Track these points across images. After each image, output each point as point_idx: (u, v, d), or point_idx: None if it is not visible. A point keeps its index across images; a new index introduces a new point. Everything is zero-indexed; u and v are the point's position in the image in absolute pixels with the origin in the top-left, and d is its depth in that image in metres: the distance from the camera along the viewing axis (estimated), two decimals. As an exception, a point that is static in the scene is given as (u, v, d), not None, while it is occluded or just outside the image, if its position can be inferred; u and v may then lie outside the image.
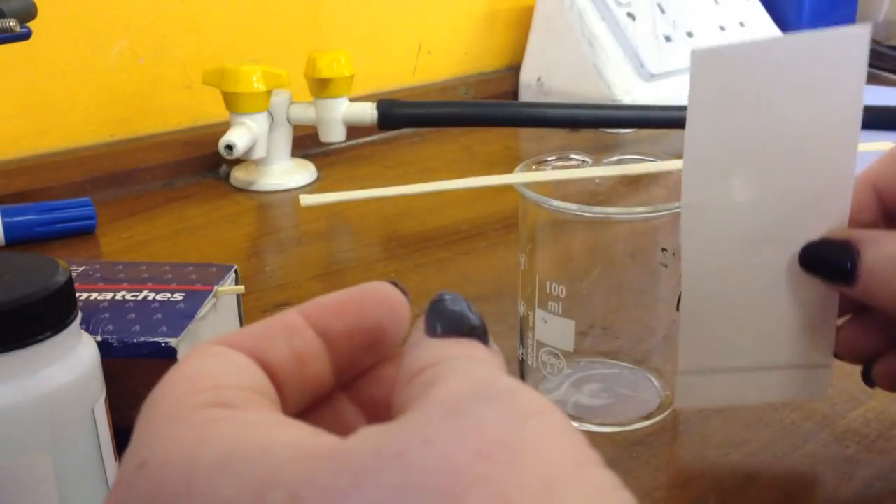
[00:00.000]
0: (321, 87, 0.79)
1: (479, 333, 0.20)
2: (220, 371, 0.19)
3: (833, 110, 0.28)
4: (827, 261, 0.32)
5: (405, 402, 0.18)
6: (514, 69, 1.09)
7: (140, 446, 0.18)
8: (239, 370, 0.19)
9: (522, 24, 1.10)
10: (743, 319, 0.34)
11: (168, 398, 0.18)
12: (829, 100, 0.28)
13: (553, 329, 0.41)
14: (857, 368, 0.47)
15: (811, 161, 0.31)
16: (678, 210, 0.34)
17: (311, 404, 0.22)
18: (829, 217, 0.32)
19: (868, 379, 0.37)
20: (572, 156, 0.46)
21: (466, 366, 0.18)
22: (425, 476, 0.14)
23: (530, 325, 0.42)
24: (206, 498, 0.15)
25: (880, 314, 0.34)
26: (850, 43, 0.28)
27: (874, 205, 0.34)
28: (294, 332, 0.21)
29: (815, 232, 0.33)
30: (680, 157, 0.33)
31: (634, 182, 0.46)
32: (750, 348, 0.34)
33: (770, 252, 0.33)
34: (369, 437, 0.16)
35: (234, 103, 0.76)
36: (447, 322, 0.20)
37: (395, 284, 0.23)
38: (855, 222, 0.33)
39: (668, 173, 0.43)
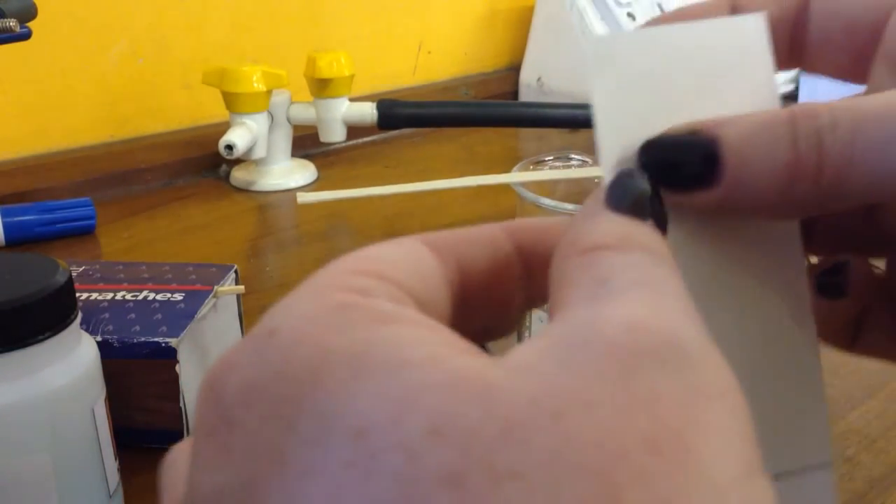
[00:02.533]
0: (321, 87, 0.79)
1: (662, 222, 0.18)
2: (391, 261, 0.17)
3: (745, 97, 0.27)
4: (677, 152, 0.21)
5: (570, 285, 0.16)
6: (514, 69, 1.09)
7: (275, 313, 0.16)
8: (413, 267, 0.18)
9: (522, 24, 1.10)
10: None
11: (324, 272, 0.17)
12: (738, 87, 0.27)
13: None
14: (857, 369, 0.47)
15: None
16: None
17: (498, 325, 0.20)
18: None
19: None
20: (572, 156, 0.46)
21: (650, 275, 0.16)
22: (586, 453, 0.12)
23: (527, 324, 0.42)
24: (338, 402, 0.14)
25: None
26: (747, 29, 0.27)
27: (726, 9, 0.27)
28: (497, 245, 0.19)
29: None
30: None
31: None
32: None
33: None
34: (525, 376, 0.14)
35: (234, 103, 0.76)
36: (633, 200, 0.18)
37: None
38: None
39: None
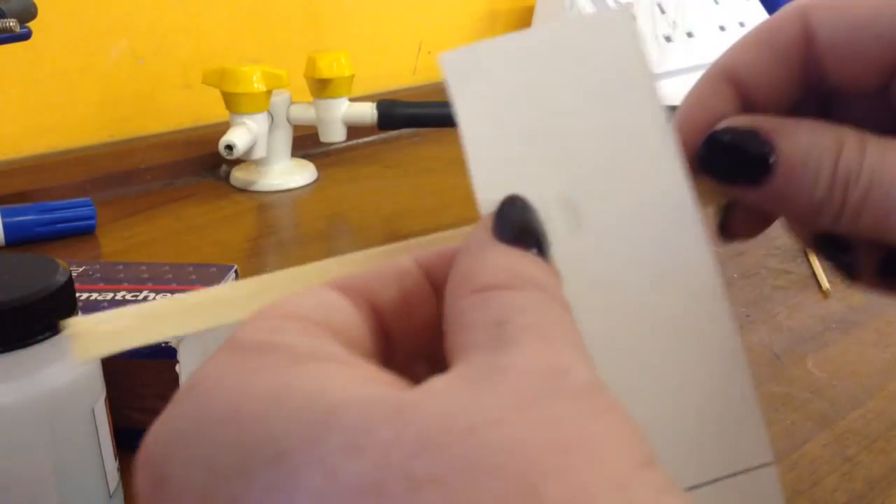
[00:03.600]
0: (321, 87, 0.79)
1: (544, 249, 0.19)
2: (307, 305, 0.18)
3: (621, 96, 0.25)
4: (738, 149, 0.24)
5: (468, 327, 0.17)
6: (514, 69, 1.09)
7: (196, 370, 0.17)
8: (323, 306, 0.18)
9: (522, 24, 1.10)
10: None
11: (241, 325, 0.18)
12: (612, 86, 0.25)
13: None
14: (857, 369, 0.47)
15: (615, 139, 0.24)
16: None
17: (423, 353, 0.21)
18: (665, 196, 0.23)
19: (726, 232, 0.28)
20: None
21: (541, 317, 0.17)
22: (501, 456, 0.13)
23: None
24: (256, 430, 0.14)
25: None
26: (615, 26, 0.26)
27: (731, 97, 0.26)
28: (405, 275, 0.20)
29: (658, 214, 0.23)
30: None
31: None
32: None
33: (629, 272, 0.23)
34: (438, 396, 0.15)
35: (234, 103, 0.76)
36: (519, 230, 0.19)
37: None
38: (713, 119, 0.25)
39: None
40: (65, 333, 0.19)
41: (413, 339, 0.20)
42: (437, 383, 0.15)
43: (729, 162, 0.24)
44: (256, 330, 0.17)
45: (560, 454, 0.14)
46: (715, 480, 0.24)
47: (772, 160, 0.24)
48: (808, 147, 0.24)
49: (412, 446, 0.14)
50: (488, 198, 0.22)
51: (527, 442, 0.14)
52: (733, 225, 0.27)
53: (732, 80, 0.26)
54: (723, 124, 0.25)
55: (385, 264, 0.20)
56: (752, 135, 0.24)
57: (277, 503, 0.14)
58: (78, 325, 0.19)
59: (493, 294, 0.18)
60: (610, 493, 0.13)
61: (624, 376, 0.22)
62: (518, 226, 0.19)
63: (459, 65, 0.25)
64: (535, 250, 0.19)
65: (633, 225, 0.23)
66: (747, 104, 0.26)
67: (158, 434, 0.16)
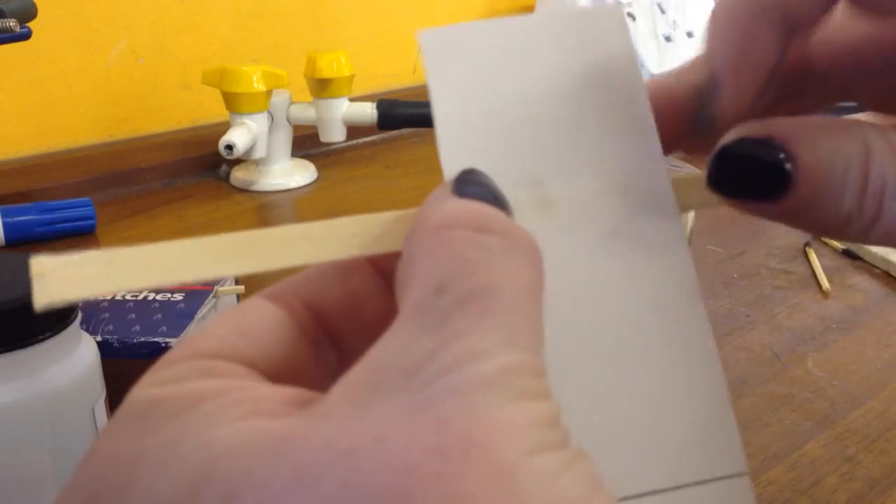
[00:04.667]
0: (321, 87, 0.79)
1: (504, 206, 0.19)
2: (216, 335, 0.18)
3: (610, 89, 0.24)
4: (751, 162, 0.21)
5: (413, 277, 0.17)
6: (514, 69, 1.09)
7: (94, 439, 0.17)
8: (242, 332, 0.18)
9: (522, 24, 1.10)
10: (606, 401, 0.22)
11: (145, 375, 0.17)
12: (599, 72, 0.25)
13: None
14: (857, 369, 0.47)
15: (595, 127, 0.23)
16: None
17: None
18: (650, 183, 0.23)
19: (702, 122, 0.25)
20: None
21: (488, 273, 0.16)
22: (374, 475, 0.13)
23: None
24: (145, 495, 0.15)
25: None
26: (606, 18, 0.25)
27: (778, 37, 0.22)
28: (351, 271, 0.20)
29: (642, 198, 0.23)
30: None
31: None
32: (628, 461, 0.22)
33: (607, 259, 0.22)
34: (322, 423, 0.15)
35: (234, 103, 0.76)
36: (481, 189, 0.19)
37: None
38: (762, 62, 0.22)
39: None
40: (31, 273, 0.18)
41: (366, 337, 0.19)
42: (333, 400, 0.15)
43: (742, 179, 0.21)
44: (151, 383, 0.17)
45: (437, 460, 0.13)
46: (685, 486, 0.23)
47: (790, 172, 0.21)
48: (832, 154, 0.20)
49: (286, 484, 0.14)
50: (455, 170, 0.21)
51: (403, 454, 0.14)
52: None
53: (780, 19, 0.22)
54: (731, 135, 0.22)
55: (331, 263, 0.20)
56: (767, 143, 0.21)
57: None
58: (43, 264, 0.18)
59: (451, 234, 0.17)
60: (490, 489, 0.13)
61: (592, 367, 0.21)
62: (479, 184, 0.19)
63: (437, 42, 0.25)
64: (490, 206, 0.18)
65: (607, 213, 0.22)
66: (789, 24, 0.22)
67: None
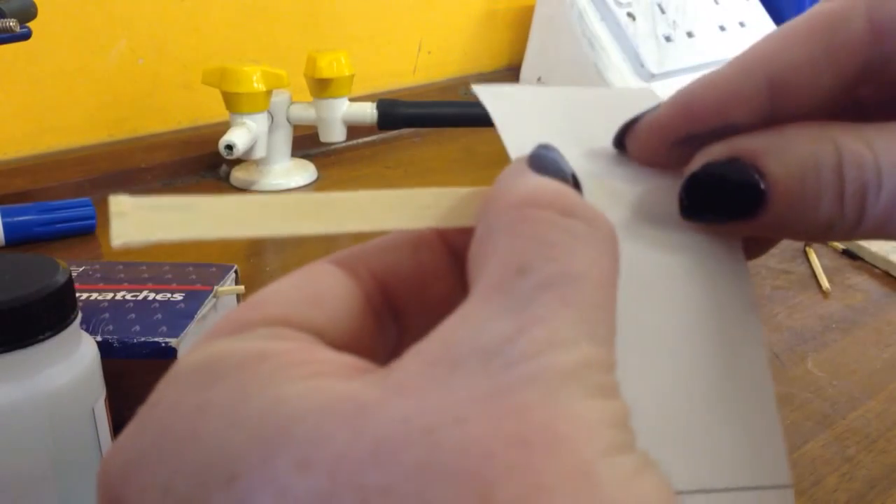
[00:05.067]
0: (321, 87, 0.79)
1: (579, 188, 0.18)
2: (286, 300, 0.17)
3: None
4: (722, 184, 0.21)
5: (491, 254, 0.16)
6: (514, 69, 1.09)
7: (159, 386, 0.16)
8: (304, 298, 0.18)
9: (522, 24, 1.10)
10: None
11: (208, 332, 0.17)
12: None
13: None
14: (857, 369, 0.47)
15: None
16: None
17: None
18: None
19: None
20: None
21: (570, 261, 0.16)
22: (454, 458, 0.13)
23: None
24: (212, 452, 0.14)
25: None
26: (638, 100, 0.26)
27: (760, 99, 0.21)
28: (421, 245, 0.19)
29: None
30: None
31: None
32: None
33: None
34: (400, 396, 0.14)
35: (234, 103, 0.76)
36: (557, 166, 0.18)
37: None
38: (743, 121, 0.21)
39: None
40: (110, 211, 0.17)
41: (427, 315, 0.19)
42: (408, 375, 0.15)
43: (715, 202, 0.21)
44: (218, 339, 0.17)
45: (518, 449, 0.13)
46: (729, 489, 0.23)
47: (763, 187, 0.20)
48: (801, 162, 0.20)
49: (365, 455, 0.13)
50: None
51: (483, 439, 0.13)
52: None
53: (770, 78, 0.21)
54: (697, 162, 0.21)
55: (402, 235, 0.19)
56: (734, 164, 0.21)
57: None
58: (123, 203, 0.18)
59: (533, 213, 0.16)
60: (570, 486, 0.13)
61: (648, 364, 0.22)
62: (555, 162, 0.18)
63: (492, 91, 0.26)
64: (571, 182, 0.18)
65: (669, 214, 0.22)
66: (777, 107, 0.22)
67: (117, 455, 0.16)
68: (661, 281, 0.22)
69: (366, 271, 0.19)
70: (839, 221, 0.20)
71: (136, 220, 0.18)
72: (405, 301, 0.19)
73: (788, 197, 0.20)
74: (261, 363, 0.15)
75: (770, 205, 0.20)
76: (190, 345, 0.41)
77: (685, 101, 0.22)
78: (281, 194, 0.19)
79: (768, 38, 0.22)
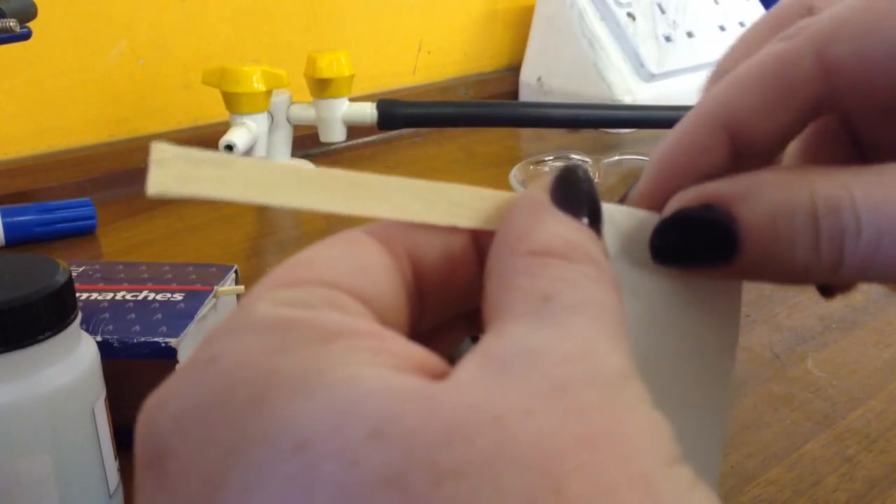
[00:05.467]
0: (321, 87, 0.79)
1: (599, 225, 0.19)
2: (333, 263, 0.17)
3: None
4: (693, 230, 0.21)
5: (513, 290, 0.17)
6: (514, 69, 1.09)
7: (215, 339, 0.16)
8: (356, 264, 0.18)
9: (522, 24, 1.10)
10: None
11: (263, 287, 0.17)
12: None
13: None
14: (857, 369, 0.47)
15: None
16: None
17: (456, 314, 0.20)
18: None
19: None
20: (572, 155, 0.46)
21: (590, 297, 0.16)
22: (525, 450, 0.13)
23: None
24: (279, 417, 0.14)
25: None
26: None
27: (724, 148, 0.22)
28: (454, 234, 0.19)
29: None
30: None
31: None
32: None
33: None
34: (466, 386, 0.14)
35: (234, 103, 0.76)
36: (577, 201, 0.19)
37: None
38: (705, 173, 0.22)
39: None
40: (151, 158, 0.17)
41: (448, 300, 0.20)
42: (466, 373, 0.15)
43: (687, 248, 0.21)
44: (283, 301, 0.16)
45: (586, 449, 0.13)
46: None
47: (735, 233, 0.20)
48: (774, 207, 0.20)
49: (438, 436, 0.13)
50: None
51: (553, 435, 0.13)
52: None
53: (728, 127, 0.22)
54: (670, 207, 0.21)
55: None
56: (706, 210, 0.21)
57: (296, 492, 0.13)
58: (165, 152, 0.17)
59: (547, 261, 0.17)
60: (634, 490, 0.13)
61: None
62: (576, 197, 0.19)
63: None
64: (587, 221, 0.19)
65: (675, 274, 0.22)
66: (741, 150, 0.22)
67: (169, 403, 0.15)
68: (649, 310, 0.22)
69: (401, 249, 0.19)
70: (816, 266, 0.20)
71: (174, 171, 0.17)
72: (431, 284, 0.19)
73: (761, 243, 0.20)
74: (335, 340, 0.15)
75: (743, 251, 0.20)
76: (188, 347, 0.41)
77: (659, 171, 0.22)
78: (321, 168, 0.19)
79: (723, 86, 0.22)
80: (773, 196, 0.20)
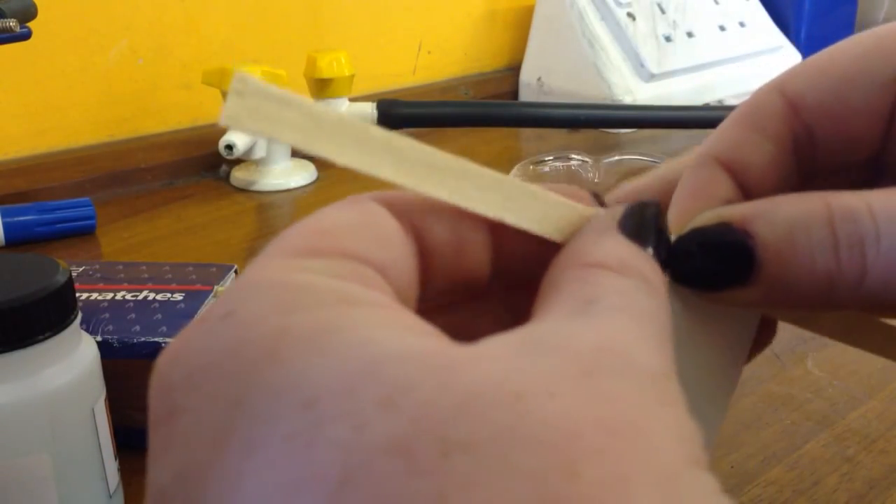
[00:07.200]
0: (321, 87, 0.79)
1: (660, 253, 0.19)
2: (353, 233, 0.17)
3: None
4: (712, 250, 0.21)
5: (559, 293, 0.17)
6: (514, 69, 1.09)
7: (230, 295, 0.15)
8: (372, 233, 0.17)
9: (522, 24, 1.10)
10: None
11: (278, 246, 0.16)
12: None
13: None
14: (857, 369, 0.47)
15: None
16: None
17: (458, 299, 0.20)
18: None
19: None
20: (572, 155, 0.46)
21: (635, 304, 0.16)
22: (542, 430, 0.13)
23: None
24: (290, 372, 0.13)
25: None
26: None
27: (729, 182, 0.23)
28: (463, 215, 0.19)
29: None
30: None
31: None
32: None
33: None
34: (491, 357, 0.14)
35: (234, 103, 0.75)
36: (645, 232, 0.19)
37: (596, 196, 0.20)
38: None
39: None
40: (231, 85, 0.16)
41: (454, 285, 0.19)
42: (493, 347, 0.14)
43: (706, 268, 0.21)
44: (297, 269, 0.16)
45: (608, 435, 0.13)
46: None
47: (753, 250, 0.20)
48: (791, 220, 0.20)
49: (451, 409, 0.13)
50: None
51: (573, 417, 0.13)
52: None
53: (725, 165, 0.23)
54: (688, 227, 0.21)
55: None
56: (723, 229, 0.21)
57: (297, 450, 0.13)
58: (247, 83, 0.17)
59: (598, 272, 0.17)
60: (654, 486, 0.13)
61: None
62: (645, 229, 0.19)
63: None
64: (650, 250, 0.19)
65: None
66: (745, 189, 0.23)
67: (181, 358, 0.15)
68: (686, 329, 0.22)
69: (410, 224, 0.19)
70: (839, 276, 0.20)
71: (251, 105, 0.17)
72: (436, 264, 0.19)
73: (780, 258, 0.20)
74: (353, 306, 0.15)
75: (763, 268, 0.20)
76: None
77: (678, 217, 0.23)
78: (390, 133, 0.18)
79: (716, 131, 0.24)
80: (788, 210, 0.20)
